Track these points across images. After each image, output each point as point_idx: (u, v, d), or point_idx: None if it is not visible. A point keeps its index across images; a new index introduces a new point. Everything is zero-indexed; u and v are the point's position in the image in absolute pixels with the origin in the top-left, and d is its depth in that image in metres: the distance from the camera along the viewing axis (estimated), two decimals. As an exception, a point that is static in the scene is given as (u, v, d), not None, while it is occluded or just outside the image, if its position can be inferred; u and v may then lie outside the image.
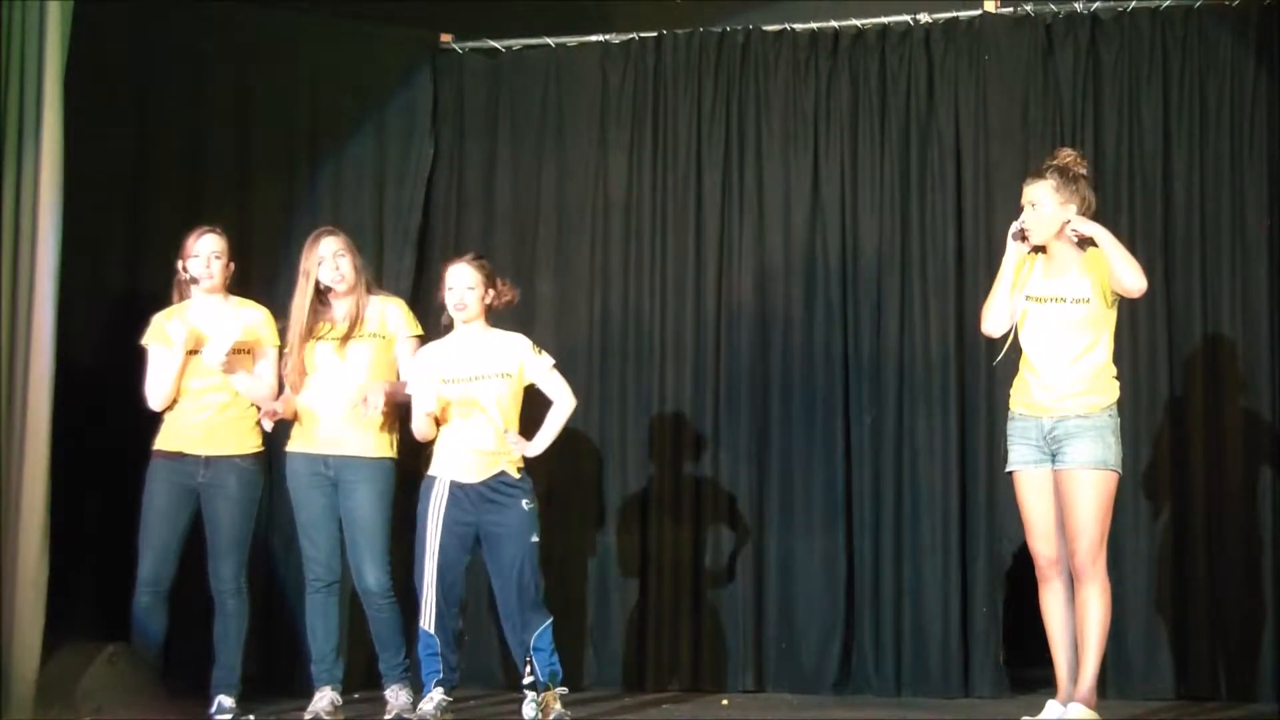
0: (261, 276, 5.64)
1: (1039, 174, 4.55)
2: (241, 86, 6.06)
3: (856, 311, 5.86)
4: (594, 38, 6.22)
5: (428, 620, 4.80)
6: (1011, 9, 5.82)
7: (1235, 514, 5.46)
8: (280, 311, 5.06)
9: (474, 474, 4.82)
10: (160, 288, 5.14)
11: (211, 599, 4.97)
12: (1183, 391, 5.59)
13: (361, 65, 6.20)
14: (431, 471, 4.88)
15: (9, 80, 4.89)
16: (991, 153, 5.77)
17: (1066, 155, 4.59)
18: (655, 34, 6.15)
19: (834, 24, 5.97)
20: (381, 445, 4.98)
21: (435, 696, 4.79)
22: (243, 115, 6.05)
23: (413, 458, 5.14)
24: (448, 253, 5.97)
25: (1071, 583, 4.50)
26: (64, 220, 4.92)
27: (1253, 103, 5.61)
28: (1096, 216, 4.53)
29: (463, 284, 4.89)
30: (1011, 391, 4.66)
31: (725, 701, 5.58)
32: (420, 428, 4.87)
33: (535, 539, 4.83)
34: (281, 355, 5.03)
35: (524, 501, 4.82)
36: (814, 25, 6.00)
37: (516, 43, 6.31)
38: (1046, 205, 4.50)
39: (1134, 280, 4.36)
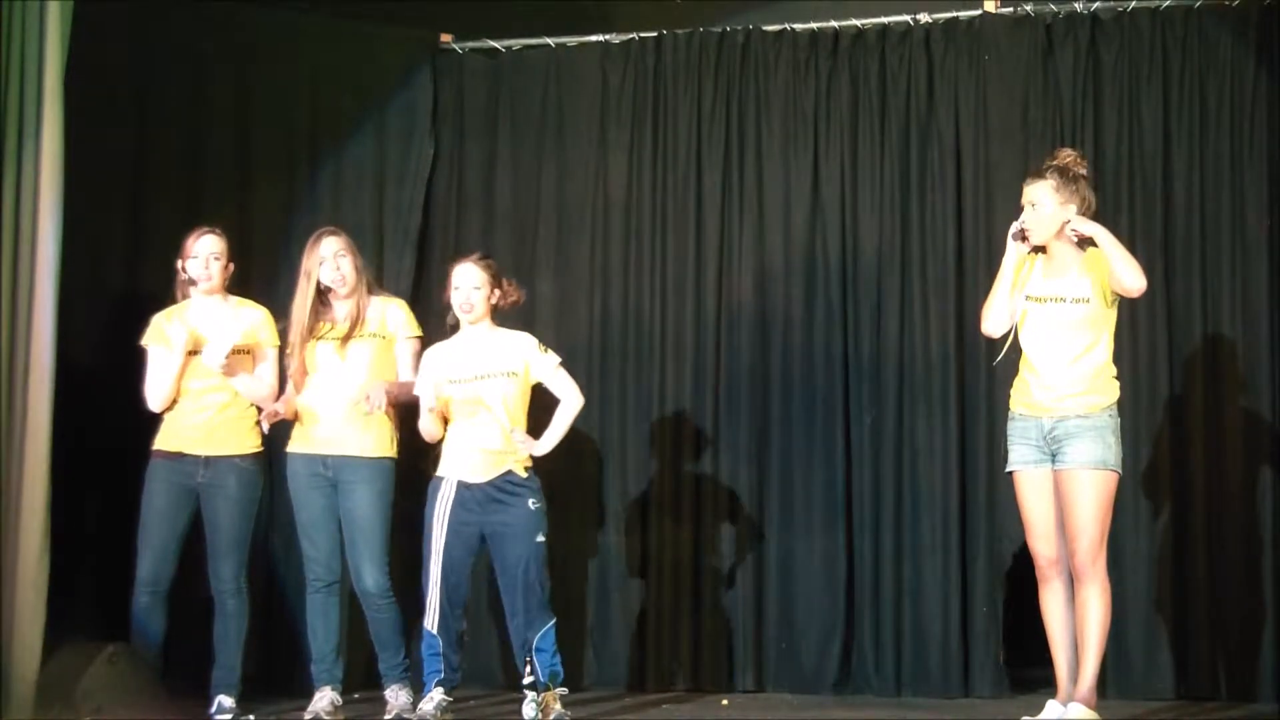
0: (261, 277, 5.64)
1: (1039, 174, 4.55)
2: (241, 86, 6.06)
3: (856, 311, 5.86)
4: (594, 38, 6.22)
5: (431, 620, 4.80)
6: (1011, 9, 5.82)
7: (1235, 514, 5.46)
8: (281, 312, 5.06)
9: (481, 474, 4.82)
10: (160, 288, 5.15)
11: (211, 599, 4.97)
12: (1183, 391, 5.59)
13: (361, 65, 6.20)
14: (439, 472, 4.88)
15: (9, 80, 4.89)
16: (991, 153, 5.77)
17: (1066, 155, 4.60)
18: (655, 34, 6.14)
19: (834, 24, 5.97)
20: (381, 445, 4.98)
21: (435, 696, 4.79)
22: (243, 115, 6.05)
23: (413, 458, 5.14)
24: (448, 253, 5.98)
25: (1071, 583, 4.50)
26: (64, 220, 4.93)
27: (1253, 103, 5.61)
28: (1096, 216, 4.53)
29: (469, 283, 4.89)
30: (1011, 391, 4.66)
31: (725, 701, 5.58)
32: (426, 426, 4.86)
33: (541, 538, 4.82)
34: (282, 355, 5.03)
35: (530, 501, 4.82)
36: (814, 25, 6.00)
37: (516, 43, 6.31)
38: (1046, 205, 4.50)
39: (1134, 280, 4.36)
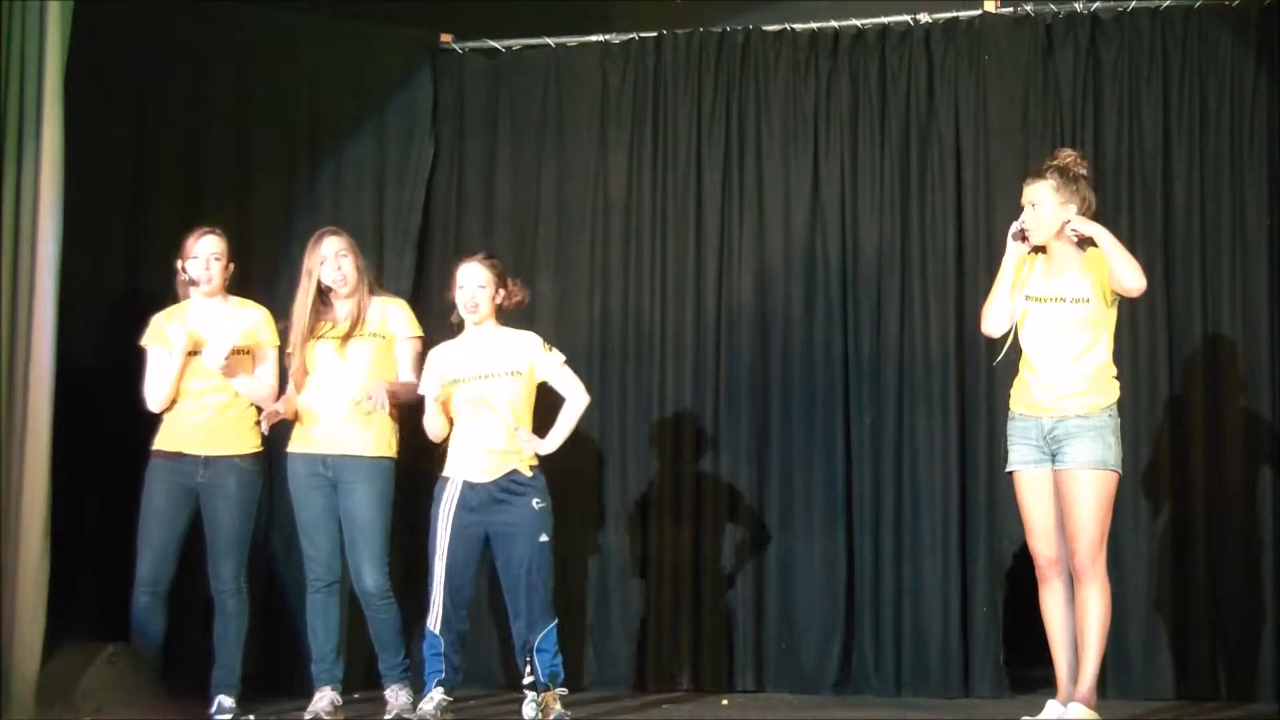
0: (261, 277, 5.64)
1: (1039, 174, 4.55)
2: (241, 86, 6.06)
3: (856, 311, 5.86)
4: (594, 38, 6.22)
5: (434, 621, 4.80)
6: (1011, 9, 5.82)
7: (1235, 514, 5.46)
8: (281, 312, 5.06)
9: (486, 474, 4.81)
10: (160, 288, 5.15)
11: (211, 599, 4.97)
12: (1183, 391, 5.59)
13: (361, 65, 6.20)
14: (445, 472, 4.88)
15: (9, 80, 4.89)
16: (991, 153, 5.77)
17: (1066, 155, 4.60)
18: (655, 34, 6.14)
19: (834, 24, 5.97)
20: (380, 445, 4.97)
21: (435, 696, 4.79)
22: (243, 115, 6.05)
23: (413, 458, 5.14)
24: (448, 253, 5.99)
25: (1071, 583, 4.50)
26: (64, 220, 4.93)
27: (1253, 103, 5.61)
28: (1096, 216, 4.53)
29: (474, 283, 4.89)
30: (1011, 391, 4.66)
31: (725, 701, 5.58)
32: (431, 422, 4.86)
33: (545, 538, 4.80)
34: (282, 355, 5.03)
35: (535, 500, 4.81)
36: (814, 25, 5.99)
37: (516, 43, 6.31)
38: (1046, 205, 4.51)
39: (1134, 280, 4.36)
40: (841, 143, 5.94)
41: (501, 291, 4.92)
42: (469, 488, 4.81)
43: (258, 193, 6.03)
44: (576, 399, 4.94)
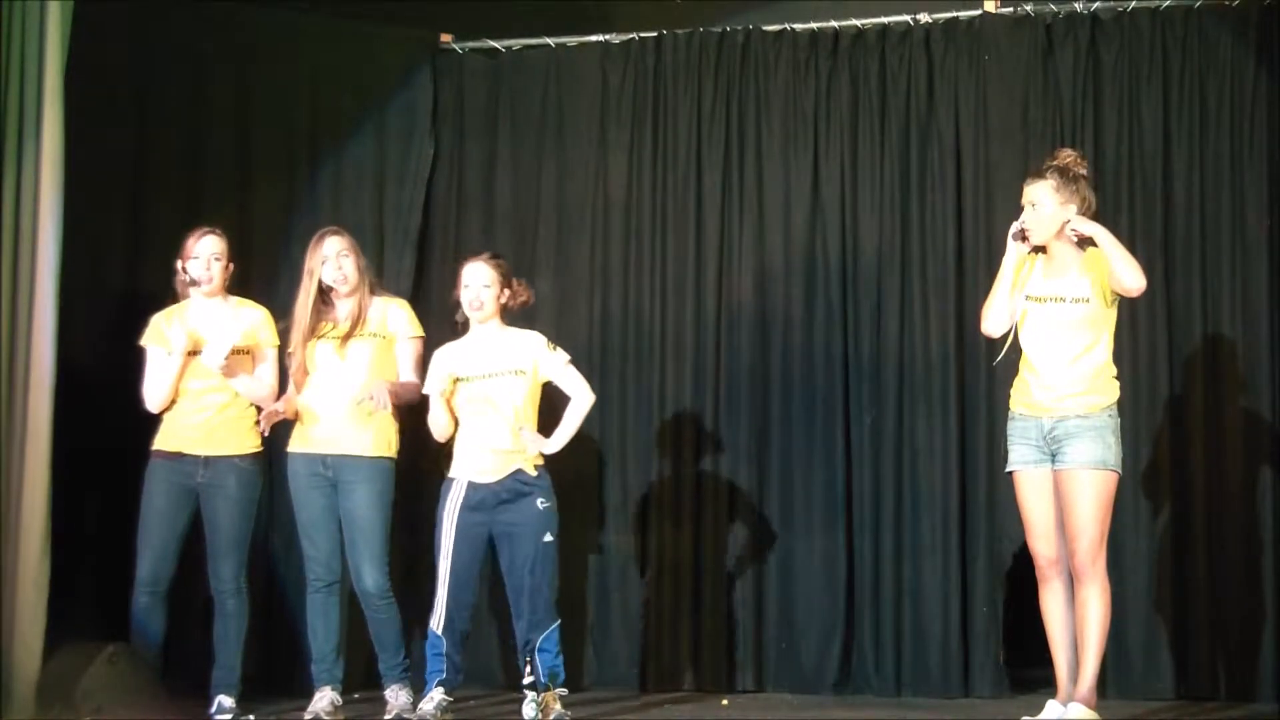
0: (262, 277, 5.64)
1: (1039, 174, 4.55)
2: (241, 86, 6.06)
3: (856, 311, 5.86)
4: (594, 38, 6.22)
5: (437, 621, 4.80)
6: (1011, 9, 5.82)
7: (1235, 514, 5.46)
8: (281, 312, 5.06)
9: (491, 473, 4.81)
10: (160, 288, 5.14)
11: (211, 599, 4.97)
12: (1183, 391, 5.59)
13: (361, 65, 6.20)
14: (450, 473, 4.88)
15: (9, 80, 4.90)
16: (991, 153, 5.77)
17: (1066, 155, 4.60)
18: (655, 34, 6.14)
19: (834, 24, 5.97)
20: (380, 445, 4.97)
21: (435, 696, 4.79)
22: (243, 115, 6.05)
23: (413, 458, 5.14)
24: (448, 253, 5.99)
25: (1071, 583, 4.50)
26: (64, 220, 4.93)
27: (1253, 103, 5.61)
28: (1096, 216, 4.53)
29: (479, 282, 4.88)
30: (1011, 391, 4.66)
31: (725, 701, 5.58)
32: (436, 420, 4.86)
33: (550, 538, 4.80)
34: (282, 355, 5.03)
35: (539, 500, 4.80)
36: (814, 25, 6.00)
37: (516, 43, 6.31)
38: (1046, 205, 4.51)
39: (1133, 280, 4.36)
40: (841, 143, 5.94)
41: (506, 291, 4.92)
42: (474, 488, 4.81)
43: (258, 193, 6.03)
44: (581, 398, 4.94)
